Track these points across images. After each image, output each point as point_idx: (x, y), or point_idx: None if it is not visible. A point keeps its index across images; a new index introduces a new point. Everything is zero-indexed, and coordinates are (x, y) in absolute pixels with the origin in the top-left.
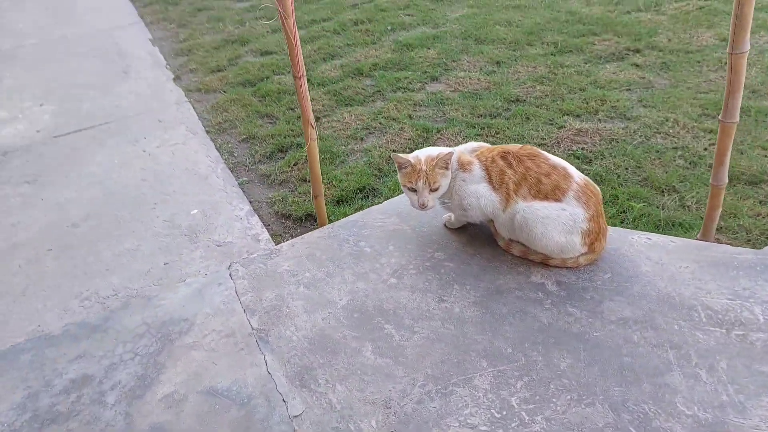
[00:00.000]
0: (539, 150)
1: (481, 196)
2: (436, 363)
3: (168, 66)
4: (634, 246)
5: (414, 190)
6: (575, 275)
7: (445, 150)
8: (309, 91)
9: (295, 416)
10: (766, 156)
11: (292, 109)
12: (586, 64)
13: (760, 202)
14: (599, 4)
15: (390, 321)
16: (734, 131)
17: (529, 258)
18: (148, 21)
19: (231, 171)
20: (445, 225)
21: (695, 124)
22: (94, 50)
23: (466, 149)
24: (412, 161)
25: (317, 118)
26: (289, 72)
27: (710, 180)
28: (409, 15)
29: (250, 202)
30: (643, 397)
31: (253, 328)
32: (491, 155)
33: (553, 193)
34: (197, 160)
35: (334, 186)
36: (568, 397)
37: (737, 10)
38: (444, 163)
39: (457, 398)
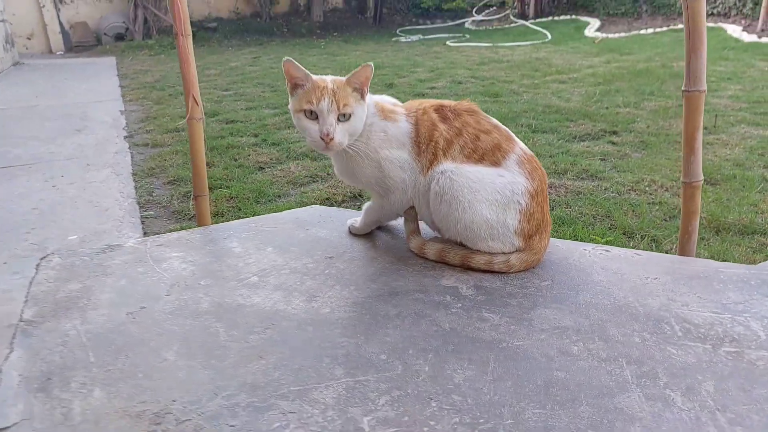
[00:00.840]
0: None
1: (399, 160)
2: (265, 369)
3: (125, 128)
4: (586, 257)
5: (313, 116)
6: (501, 280)
7: None
8: (262, 148)
9: (1, 429)
10: (755, 211)
11: (235, 159)
12: (559, 140)
13: (754, 250)
14: (577, 101)
15: (223, 319)
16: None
17: (446, 260)
18: (127, 99)
19: (140, 207)
20: (349, 231)
21: (674, 184)
22: (61, 116)
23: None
24: (314, 78)
25: (260, 168)
26: (247, 134)
27: (681, 177)
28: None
29: (145, 233)
30: (579, 424)
31: (21, 320)
32: (422, 107)
33: (492, 153)
34: (107, 195)
35: None
36: (455, 419)
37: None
38: (358, 83)
39: (275, 415)
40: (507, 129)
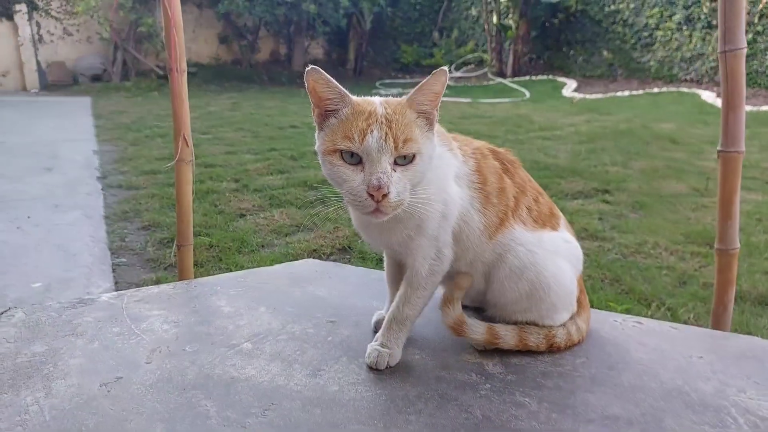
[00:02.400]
0: None
1: (460, 203)
2: None
3: (98, 168)
4: (619, 329)
5: (355, 160)
6: (529, 355)
7: None
8: (243, 194)
9: None
10: None
11: (215, 205)
12: (552, 197)
13: None
14: (565, 158)
15: (213, 396)
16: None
17: (497, 342)
18: (102, 139)
19: (112, 253)
20: (371, 366)
21: (679, 247)
22: (30, 153)
23: None
24: (355, 99)
25: (242, 215)
26: (228, 179)
27: (715, 244)
28: None
29: (116, 282)
30: None
31: None
32: (476, 147)
33: (549, 218)
34: (76, 239)
35: (232, 272)
36: None
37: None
38: (427, 103)
39: None
40: None
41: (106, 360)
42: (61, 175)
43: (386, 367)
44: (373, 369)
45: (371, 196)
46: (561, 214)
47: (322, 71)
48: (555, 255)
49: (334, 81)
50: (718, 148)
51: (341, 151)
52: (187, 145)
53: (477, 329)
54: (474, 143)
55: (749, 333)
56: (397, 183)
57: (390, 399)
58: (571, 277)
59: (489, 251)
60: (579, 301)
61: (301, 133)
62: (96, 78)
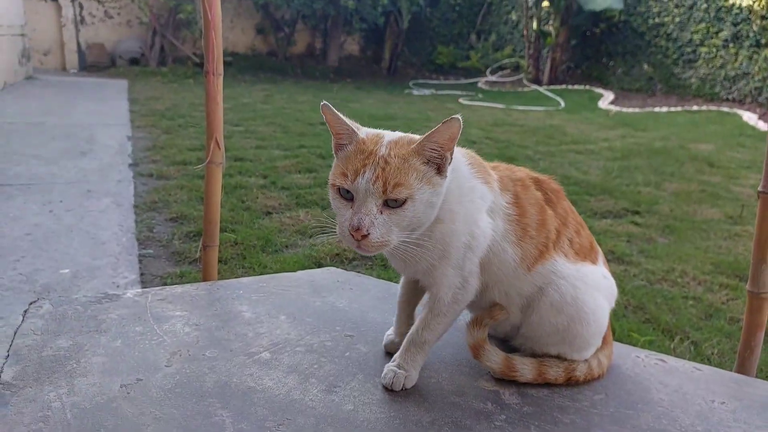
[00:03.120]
0: None
1: (487, 240)
2: None
3: (131, 155)
4: (641, 366)
5: (349, 196)
6: (548, 388)
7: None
8: (271, 191)
9: None
10: None
11: (242, 201)
12: (580, 214)
13: None
14: (596, 174)
15: (230, 406)
16: None
17: (514, 375)
18: (137, 125)
19: (139, 243)
20: (387, 387)
21: (708, 278)
22: (66, 135)
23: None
24: (362, 134)
25: (268, 213)
26: (256, 174)
27: (747, 286)
28: None
29: (142, 273)
30: None
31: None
32: (518, 177)
33: (590, 252)
34: (105, 227)
35: (255, 270)
36: None
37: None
38: (436, 149)
39: None
40: None
41: (127, 360)
42: (96, 160)
43: (401, 389)
44: (388, 390)
45: (352, 235)
46: (600, 248)
47: (333, 108)
48: (595, 290)
49: (343, 118)
50: (760, 188)
51: (338, 187)
52: (219, 148)
53: (494, 358)
54: (517, 173)
55: None
56: (381, 225)
57: (403, 423)
58: (606, 314)
59: (528, 283)
60: (603, 336)
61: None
62: (134, 61)
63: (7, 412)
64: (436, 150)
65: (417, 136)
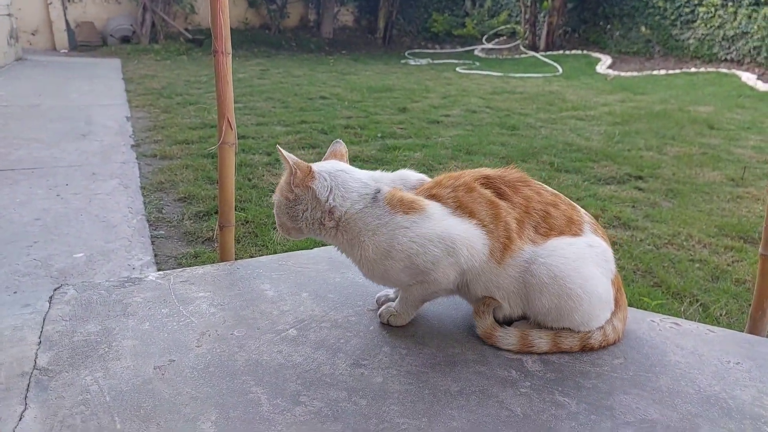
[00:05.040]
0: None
1: (456, 239)
2: None
3: (132, 136)
4: (656, 330)
5: None
6: (569, 354)
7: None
8: (276, 169)
9: None
10: None
11: (249, 179)
12: (584, 182)
13: None
14: (598, 140)
15: (263, 382)
16: None
17: (531, 349)
18: (134, 105)
19: (150, 224)
20: (386, 322)
21: (713, 240)
22: (64, 117)
23: (394, 181)
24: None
25: (273, 191)
26: (260, 152)
27: (760, 249)
28: (402, 128)
29: (155, 255)
30: None
31: (35, 367)
32: (461, 183)
33: (569, 227)
34: (114, 210)
35: (268, 248)
36: None
37: None
38: (288, 176)
39: None
40: (562, 194)
41: (157, 342)
42: (97, 141)
43: (386, 322)
44: (384, 324)
45: None
46: (584, 217)
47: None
48: (578, 262)
49: (333, 152)
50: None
51: None
52: (231, 128)
53: (509, 340)
54: (461, 179)
55: None
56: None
57: (432, 393)
58: (603, 281)
59: (503, 276)
60: (616, 300)
61: (330, 104)
62: (125, 40)
63: (47, 396)
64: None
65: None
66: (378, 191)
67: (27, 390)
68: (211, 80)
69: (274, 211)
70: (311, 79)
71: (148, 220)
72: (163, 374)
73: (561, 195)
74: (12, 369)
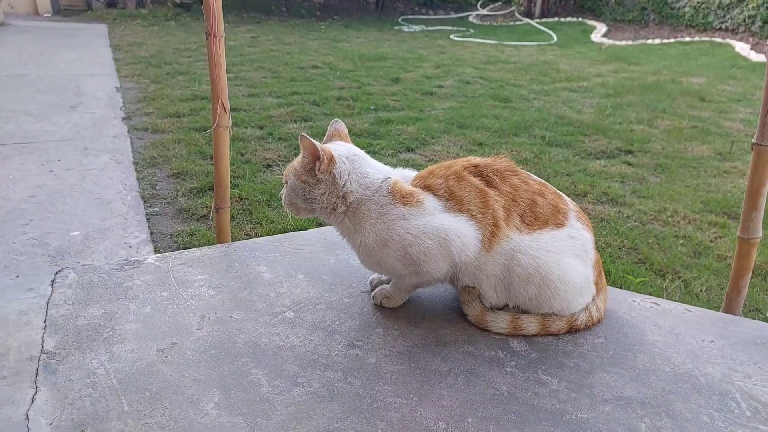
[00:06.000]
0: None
1: (449, 232)
2: None
3: (123, 108)
4: (637, 310)
5: None
6: (552, 335)
7: (347, 149)
8: (269, 143)
9: None
10: None
11: (242, 154)
12: (574, 156)
13: None
14: (589, 113)
15: (263, 364)
16: None
17: (521, 333)
18: (123, 75)
19: (144, 201)
20: (379, 304)
21: (698, 216)
22: (52, 88)
23: (405, 177)
24: (329, 141)
25: (268, 166)
26: (252, 125)
27: (737, 232)
28: (395, 100)
29: (151, 233)
30: None
31: (43, 351)
32: (452, 172)
33: (554, 216)
34: (108, 186)
35: (263, 226)
36: None
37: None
38: (306, 162)
39: None
40: (547, 183)
41: (159, 325)
42: (87, 114)
43: (380, 304)
44: (377, 305)
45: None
46: (569, 205)
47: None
48: (559, 255)
49: (312, 141)
50: (753, 140)
51: None
52: (225, 111)
53: (500, 324)
54: (452, 167)
55: (757, 309)
56: (284, 194)
57: (423, 373)
58: (581, 271)
59: (491, 263)
60: (596, 283)
61: (322, 74)
62: (111, 4)
63: (57, 380)
64: (306, 158)
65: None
66: (387, 179)
67: (36, 373)
68: (200, 48)
69: (286, 192)
70: (302, 46)
71: (142, 197)
72: (166, 357)
73: (548, 184)
74: (20, 353)
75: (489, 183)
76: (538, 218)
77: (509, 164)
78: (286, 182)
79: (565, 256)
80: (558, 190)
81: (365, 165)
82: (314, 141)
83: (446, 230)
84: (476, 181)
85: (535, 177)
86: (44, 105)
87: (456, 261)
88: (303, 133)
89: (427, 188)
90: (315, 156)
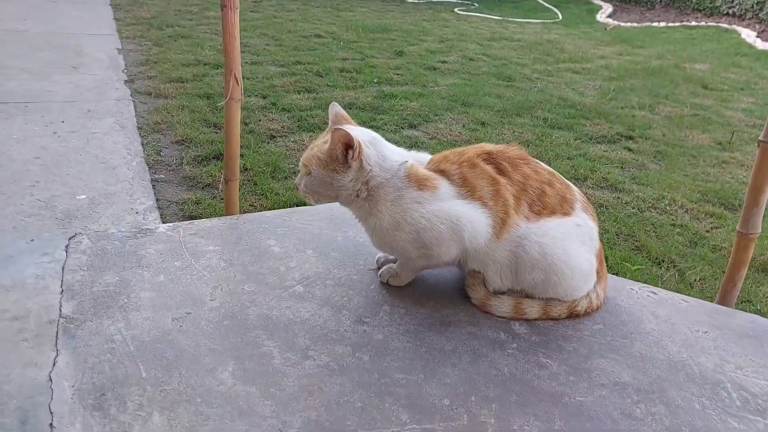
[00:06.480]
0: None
1: (462, 218)
2: (327, 404)
3: (125, 71)
4: (634, 298)
5: None
6: (553, 320)
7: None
8: (272, 113)
9: None
10: None
11: (246, 123)
12: (575, 140)
13: None
14: (592, 96)
15: (275, 336)
16: None
17: (523, 317)
18: (124, 36)
19: (149, 167)
20: (386, 282)
21: (695, 206)
22: (52, 45)
23: (419, 160)
24: (338, 125)
25: (272, 137)
26: (255, 94)
27: (737, 227)
28: (398, 74)
29: (157, 199)
30: None
31: (61, 315)
32: (465, 158)
33: (561, 206)
34: (113, 150)
35: (268, 198)
36: None
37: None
38: (334, 151)
39: None
40: (556, 172)
41: (173, 294)
42: (89, 75)
43: (386, 282)
44: (383, 283)
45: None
46: (576, 195)
47: (339, 109)
48: (566, 241)
49: (342, 113)
50: (761, 138)
51: None
52: (238, 84)
53: (503, 308)
54: (466, 154)
55: (749, 300)
56: (302, 185)
57: (429, 351)
58: (587, 257)
59: (500, 249)
60: (598, 272)
61: (325, 44)
62: None
63: (76, 344)
64: (335, 153)
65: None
66: (404, 162)
67: (56, 337)
68: (202, 11)
69: (308, 182)
70: (305, 14)
71: (147, 163)
72: (181, 326)
73: (557, 174)
74: (40, 317)
75: (501, 171)
76: (546, 207)
77: (521, 153)
78: (309, 172)
79: (571, 242)
80: (566, 180)
81: (384, 148)
82: (347, 130)
83: (459, 216)
84: (489, 168)
85: (545, 166)
86: (45, 63)
87: (467, 247)
88: (340, 127)
89: (442, 173)
90: (347, 144)
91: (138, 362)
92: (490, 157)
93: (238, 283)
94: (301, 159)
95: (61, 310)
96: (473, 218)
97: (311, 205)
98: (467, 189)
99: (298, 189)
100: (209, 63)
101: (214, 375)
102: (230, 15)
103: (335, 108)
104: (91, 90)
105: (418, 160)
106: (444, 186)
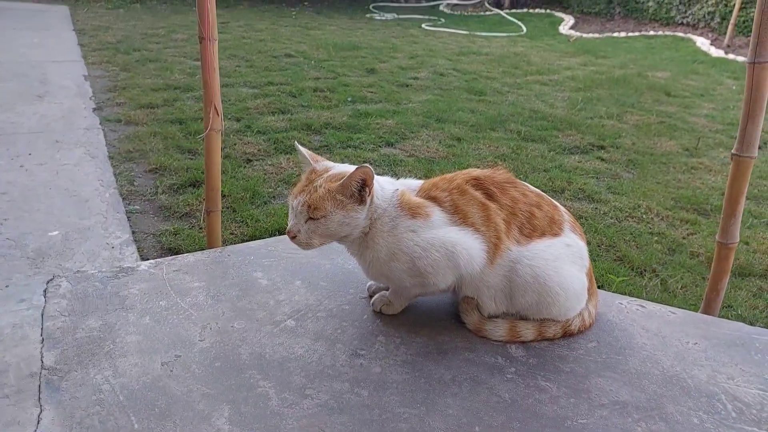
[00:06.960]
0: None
1: (457, 245)
2: None
3: (93, 98)
4: (624, 312)
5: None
6: (547, 340)
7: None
8: (247, 136)
9: None
10: (748, 250)
11: (221, 148)
12: (550, 152)
13: (754, 295)
14: (562, 107)
15: (270, 377)
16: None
17: (519, 339)
18: (90, 62)
19: (123, 199)
20: (378, 311)
21: (669, 213)
22: (15, 75)
23: (408, 187)
24: (315, 165)
25: (248, 161)
26: (229, 117)
27: (717, 237)
28: (371, 92)
29: (133, 232)
30: None
31: (43, 367)
32: (454, 185)
33: (550, 227)
34: (84, 182)
35: (248, 225)
36: None
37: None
38: (351, 189)
39: None
40: (542, 193)
41: (160, 337)
42: (55, 104)
43: (379, 311)
44: (376, 312)
45: (288, 235)
46: (564, 216)
47: (302, 148)
48: (557, 262)
49: (308, 153)
50: (733, 151)
51: (290, 198)
52: (218, 115)
53: (498, 332)
54: (455, 180)
55: (730, 306)
56: (303, 233)
57: (428, 382)
58: (578, 277)
59: (493, 275)
60: (588, 289)
61: (296, 63)
62: None
63: (61, 397)
64: (348, 191)
65: (349, 170)
66: (395, 190)
67: (39, 391)
68: (169, 34)
69: (316, 228)
70: (274, 34)
71: (120, 194)
72: (171, 371)
73: (544, 195)
74: (20, 370)
75: (490, 196)
76: (536, 230)
77: (508, 176)
78: (319, 217)
79: (562, 263)
80: (553, 201)
81: (379, 178)
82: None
83: (454, 243)
84: (478, 194)
85: (532, 188)
86: (9, 94)
87: (462, 273)
88: (366, 166)
89: (433, 200)
90: (365, 181)
91: (129, 413)
92: (478, 183)
93: (228, 321)
94: (300, 204)
95: (42, 361)
96: (468, 245)
97: (306, 250)
98: (459, 216)
99: (291, 237)
100: (180, 87)
101: (210, 422)
102: (209, 47)
103: (301, 147)
104: (59, 120)
105: (409, 186)
106: (436, 213)
